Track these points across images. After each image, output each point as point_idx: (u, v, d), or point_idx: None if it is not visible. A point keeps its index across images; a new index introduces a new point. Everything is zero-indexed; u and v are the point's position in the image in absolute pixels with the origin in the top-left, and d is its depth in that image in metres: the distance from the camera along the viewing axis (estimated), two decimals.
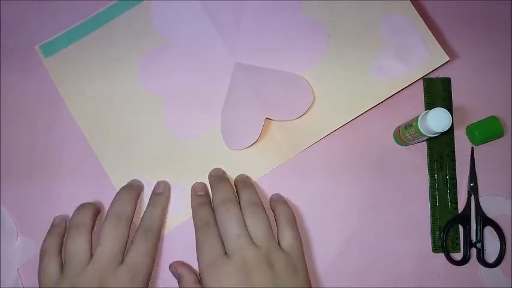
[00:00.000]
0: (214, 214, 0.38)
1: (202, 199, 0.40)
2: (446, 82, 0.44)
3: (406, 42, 0.42)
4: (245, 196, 0.38)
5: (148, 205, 0.40)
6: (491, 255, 0.42)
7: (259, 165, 0.42)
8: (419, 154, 0.43)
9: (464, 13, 0.45)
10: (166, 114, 0.42)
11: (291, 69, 0.42)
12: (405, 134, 0.40)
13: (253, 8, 0.43)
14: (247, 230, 0.36)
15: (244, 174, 0.42)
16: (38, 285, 0.37)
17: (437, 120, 0.36)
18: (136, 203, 0.40)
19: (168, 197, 0.41)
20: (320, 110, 0.42)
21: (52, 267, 0.36)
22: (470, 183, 0.42)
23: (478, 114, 0.43)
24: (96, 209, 0.39)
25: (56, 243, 0.38)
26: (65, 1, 0.44)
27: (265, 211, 0.37)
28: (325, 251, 0.42)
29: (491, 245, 0.42)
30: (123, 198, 0.39)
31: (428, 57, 0.41)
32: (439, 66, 0.42)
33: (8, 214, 0.42)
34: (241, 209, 0.37)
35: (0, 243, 0.41)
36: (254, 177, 0.42)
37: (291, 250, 0.36)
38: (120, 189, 0.40)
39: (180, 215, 0.41)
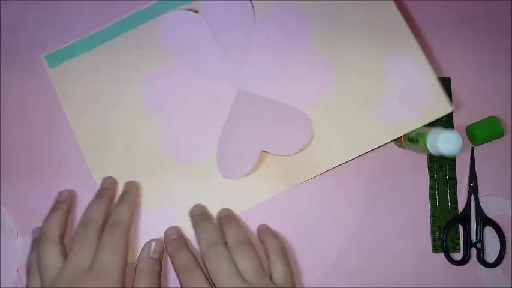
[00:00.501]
0: (192, 255, 0.37)
1: (177, 243, 0.39)
2: (446, 82, 0.44)
3: (412, 88, 0.41)
4: (231, 235, 0.38)
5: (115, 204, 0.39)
6: (491, 255, 0.42)
7: (251, 196, 0.42)
8: (419, 154, 0.43)
9: (464, 13, 0.45)
10: (165, 135, 0.42)
11: (293, 102, 0.42)
12: (409, 145, 0.40)
13: (261, 37, 0.42)
14: (237, 268, 0.35)
15: (227, 209, 0.41)
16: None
17: (448, 144, 0.35)
18: (107, 208, 0.39)
19: (136, 195, 0.41)
20: (317, 148, 0.41)
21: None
22: (470, 183, 0.42)
23: (478, 114, 0.43)
24: (66, 213, 0.39)
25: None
26: (65, 1, 0.44)
27: (253, 246, 0.37)
28: (325, 251, 0.42)
29: (491, 245, 0.42)
30: (94, 205, 0.38)
31: (432, 106, 0.40)
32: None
33: (8, 214, 0.42)
34: (228, 246, 0.37)
35: (0, 243, 0.41)
36: (246, 208, 0.41)
37: (283, 284, 0.35)
38: (94, 195, 0.39)
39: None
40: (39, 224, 0.39)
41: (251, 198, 0.42)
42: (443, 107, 0.40)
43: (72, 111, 0.43)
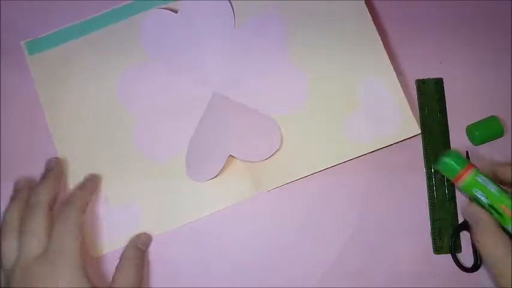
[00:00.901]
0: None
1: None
2: (439, 83, 0.44)
3: (382, 107, 0.42)
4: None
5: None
6: None
7: (219, 198, 0.42)
8: (417, 154, 0.43)
9: (464, 13, 0.45)
10: (137, 132, 0.43)
11: (266, 110, 0.42)
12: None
13: (240, 43, 0.43)
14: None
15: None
16: None
17: None
18: (53, 189, 0.38)
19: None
20: (286, 157, 0.42)
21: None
22: None
23: (478, 114, 0.43)
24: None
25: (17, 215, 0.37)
26: (65, 1, 0.44)
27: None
28: (325, 251, 0.42)
29: None
30: (38, 187, 0.38)
31: (401, 127, 0.41)
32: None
33: None
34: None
35: (0, 243, 0.41)
36: (209, 212, 0.42)
37: None
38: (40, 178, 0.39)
39: (121, 239, 0.41)
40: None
41: (216, 202, 0.42)
42: (411, 129, 0.41)
43: (47, 101, 0.43)
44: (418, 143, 0.43)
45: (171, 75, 0.43)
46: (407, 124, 0.42)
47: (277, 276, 0.41)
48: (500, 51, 0.45)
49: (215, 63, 0.43)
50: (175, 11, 0.43)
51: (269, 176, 0.42)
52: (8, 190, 0.41)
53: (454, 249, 0.41)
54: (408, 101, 0.42)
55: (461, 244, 0.42)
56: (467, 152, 0.43)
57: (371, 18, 0.42)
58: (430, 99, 0.44)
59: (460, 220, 0.42)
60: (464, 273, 0.41)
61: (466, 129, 0.43)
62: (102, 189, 0.42)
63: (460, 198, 0.42)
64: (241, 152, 0.41)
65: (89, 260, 0.40)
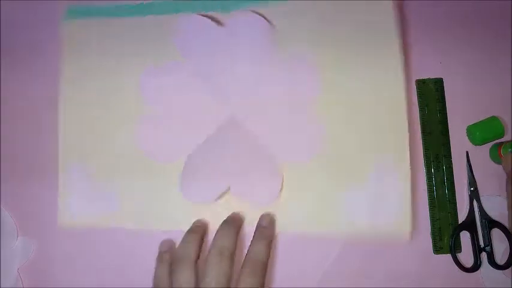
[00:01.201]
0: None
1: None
2: (439, 83, 0.44)
3: (385, 200, 0.40)
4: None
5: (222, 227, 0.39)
6: (499, 256, 0.41)
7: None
8: (418, 154, 0.43)
9: (464, 13, 0.45)
10: (142, 127, 0.42)
11: (275, 151, 0.41)
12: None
13: (275, 75, 0.42)
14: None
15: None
16: (38, 285, 0.37)
17: None
18: (237, 237, 0.39)
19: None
20: (279, 207, 0.41)
21: None
22: (470, 187, 0.42)
23: (478, 115, 0.43)
24: (202, 237, 0.39)
25: (166, 271, 0.38)
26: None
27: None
28: (325, 251, 0.42)
29: (498, 247, 0.41)
30: (225, 232, 0.38)
31: (393, 226, 0.40)
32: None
33: (8, 214, 0.42)
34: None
35: (0, 243, 0.41)
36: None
37: None
38: (222, 222, 0.39)
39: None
40: (39, 224, 0.39)
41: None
42: (403, 232, 0.40)
43: (69, 73, 0.43)
44: (418, 143, 0.43)
45: (196, 84, 0.43)
46: (401, 226, 0.40)
47: (277, 276, 0.41)
48: (500, 51, 0.45)
49: (244, 86, 0.42)
50: (217, 21, 0.43)
51: (251, 219, 0.41)
52: (8, 190, 0.41)
53: (454, 249, 0.41)
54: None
55: (461, 244, 0.42)
56: (467, 152, 0.43)
57: (406, 115, 0.41)
58: (430, 99, 0.44)
59: (460, 220, 0.42)
60: (464, 273, 0.41)
61: (466, 130, 0.43)
62: (89, 164, 0.42)
63: (460, 198, 0.42)
64: (239, 190, 0.41)
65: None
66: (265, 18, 0.43)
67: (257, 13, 0.43)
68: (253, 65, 0.43)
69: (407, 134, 0.41)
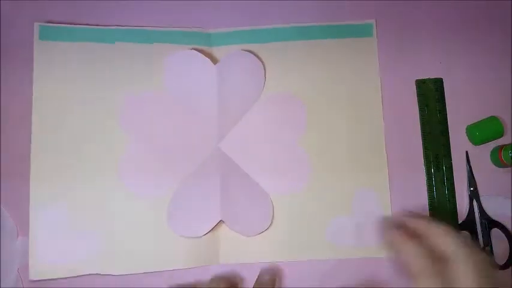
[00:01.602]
0: None
1: None
2: (439, 83, 0.44)
3: (367, 222, 0.42)
4: None
5: None
6: (499, 256, 0.41)
7: (187, 256, 0.41)
8: (416, 154, 0.43)
9: (464, 13, 0.45)
10: (125, 157, 0.42)
11: (263, 185, 0.42)
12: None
13: (264, 113, 0.43)
14: None
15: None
16: (38, 285, 0.37)
17: None
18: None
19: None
20: (268, 238, 0.41)
21: None
22: (470, 187, 0.42)
23: (478, 115, 0.43)
24: None
25: None
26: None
27: None
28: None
29: (498, 247, 0.41)
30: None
31: (376, 246, 0.41)
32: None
33: (8, 214, 0.42)
34: None
35: (0, 243, 0.41)
36: (172, 266, 0.40)
37: None
38: None
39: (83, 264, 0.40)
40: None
41: (180, 260, 0.41)
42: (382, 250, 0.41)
43: (40, 93, 0.42)
44: (418, 143, 0.43)
45: (182, 114, 0.43)
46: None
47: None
48: (500, 51, 0.45)
49: (230, 121, 0.43)
50: (208, 55, 0.43)
51: (247, 250, 0.41)
52: (8, 190, 0.41)
53: None
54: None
55: None
56: (467, 152, 0.43)
57: (385, 154, 0.43)
58: (430, 99, 0.44)
59: (460, 220, 0.42)
60: None
61: (466, 129, 0.43)
62: (67, 207, 0.41)
63: (460, 198, 0.42)
64: (232, 221, 0.41)
65: None
66: (256, 56, 0.43)
67: (248, 51, 0.43)
68: (242, 100, 0.43)
69: (386, 170, 0.42)
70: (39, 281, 0.40)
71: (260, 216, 0.41)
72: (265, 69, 0.44)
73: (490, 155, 0.43)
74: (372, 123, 0.43)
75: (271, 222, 0.41)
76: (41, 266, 0.40)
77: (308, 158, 0.43)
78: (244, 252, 0.41)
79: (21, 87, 0.43)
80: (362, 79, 0.44)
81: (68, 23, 0.43)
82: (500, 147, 0.41)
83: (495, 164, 0.42)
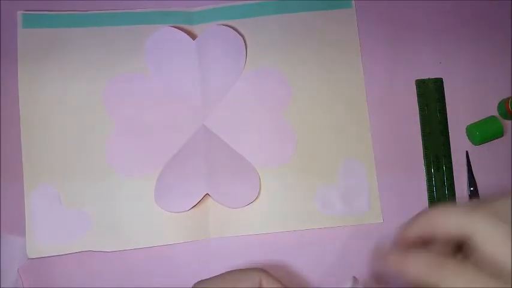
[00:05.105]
0: None
1: None
2: (439, 83, 0.44)
3: (355, 191, 0.42)
4: None
5: None
6: None
7: (175, 232, 0.41)
8: (416, 154, 0.43)
9: (464, 13, 0.45)
10: (111, 141, 0.42)
11: (250, 159, 0.42)
12: None
13: (243, 88, 0.43)
14: None
15: None
16: (37, 285, 0.37)
17: None
18: None
19: None
20: (257, 210, 0.42)
21: None
22: (469, 187, 0.42)
23: (478, 114, 0.43)
24: None
25: None
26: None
27: None
28: (325, 251, 0.42)
29: None
30: None
31: (366, 212, 0.42)
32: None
33: (8, 214, 0.42)
34: None
35: (0, 243, 0.41)
36: (163, 241, 0.41)
37: None
38: None
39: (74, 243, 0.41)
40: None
41: (170, 235, 0.41)
42: (375, 217, 0.42)
43: (25, 80, 0.42)
44: (418, 143, 0.43)
45: (166, 94, 0.43)
46: (373, 212, 0.42)
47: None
48: (500, 51, 0.45)
49: (215, 98, 0.43)
50: (189, 33, 0.43)
51: (236, 224, 0.41)
52: (8, 190, 0.41)
53: None
54: None
55: None
56: (467, 152, 0.43)
57: (368, 118, 0.43)
58: (430, 99, 0.44)
59: None
60: None
61: (466, 129, 0.43)
62: (59, 189, 0.41)
63: (460, 198, 0.42)
64: (218, 193, 0.41)
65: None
66: (236, 30, 0.44)
67: (228, 26, 0.44)
68: (225, 76, 0.43)
69: (370, 141, 0.43)
70: (38, 258, 0.41)
71: (247, 188, 0.42)
72: (246, 44, 0.44)
73: (498, 108, 0.43)
74: (354, 90, 0.44)
75: (259, 194, 0.42)
76: (37, 245, 0.41)
77: (293, 129, 0.43)
78: (234, 226, 0.41)
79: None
80: (343, 50, 0.44)
81: (48, 10, 0.43)
82: (507, 99, 0.41)
83: (502, 117, 0.43)
